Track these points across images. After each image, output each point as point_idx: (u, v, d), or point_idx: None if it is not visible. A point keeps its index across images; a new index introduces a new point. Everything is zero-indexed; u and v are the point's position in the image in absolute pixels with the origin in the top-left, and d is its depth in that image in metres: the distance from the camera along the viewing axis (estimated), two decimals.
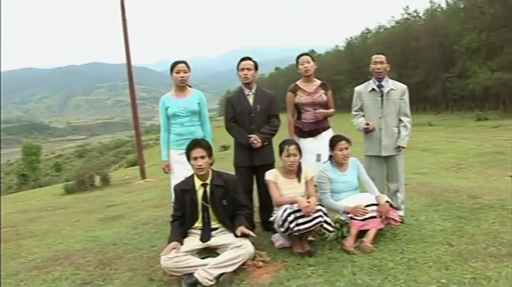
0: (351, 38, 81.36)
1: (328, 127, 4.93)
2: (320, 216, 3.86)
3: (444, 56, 53.16)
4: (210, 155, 3.86)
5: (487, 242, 3.96)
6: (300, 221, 3.84)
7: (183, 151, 4.46)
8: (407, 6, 64.85)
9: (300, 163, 4.24)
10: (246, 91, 4.73)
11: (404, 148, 4.78)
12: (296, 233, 3.85)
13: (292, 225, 3.83)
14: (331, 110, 4.93)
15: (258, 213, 4.96)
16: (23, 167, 63.77)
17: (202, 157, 3.77)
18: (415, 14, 63.88)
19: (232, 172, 4.55)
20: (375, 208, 4.15)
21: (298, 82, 4.96)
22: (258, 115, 4.65)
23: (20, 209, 10.82)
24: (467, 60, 48.13)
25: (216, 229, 3.88)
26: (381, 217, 4.14)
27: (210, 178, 3.88)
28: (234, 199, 3.90)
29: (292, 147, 4.13)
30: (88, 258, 4.72)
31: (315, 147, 4.76)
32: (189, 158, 3.82)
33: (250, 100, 4.69)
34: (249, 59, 4.72)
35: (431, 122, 39.70)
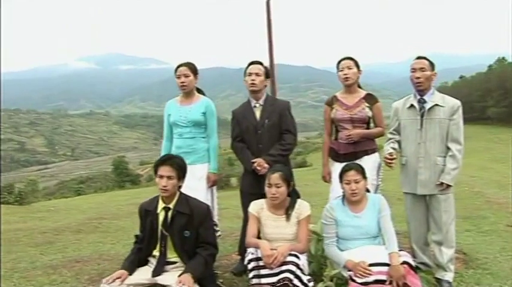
0: None
1: (374, 151, 3.85)
2: (288, 271, 2.91)
3: None
4: (180, 177, 3.22)
5: None
6: (262, 272, 2.97)
7: None
8: None
9: (294, 196, 3.36)
10: (253, 102, 3.94)
11: (450, 186, 3.50)
12: None
13: (251, 275, 3.02)
14: (376, 130, 3.86)
15: None
16: None
17: (169, 177, 3.16)
18: None
19: None
20: (385, 269, 3.02)
21: (337, 93, 3.99)
22: (266, 132, 3.84)
23: (135, 202, 11.42)
24: None
25: (173, 263, 3.22)
26: (391, 283, 2.99)
27: (174, 202, 3.24)
28: (198, 232, 3.21)
29: (275, 175, 3.24)
30: (100, 266, 4.60)
31: None
32: (155, 174, 3.25)
33: (257, 113, 3.90)
34: (259, 63, 3.94)
35: None
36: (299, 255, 3.07)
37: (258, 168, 3.74)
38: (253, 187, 3.81)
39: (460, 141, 3.52)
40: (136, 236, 3.42)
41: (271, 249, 3.04)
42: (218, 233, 4.15)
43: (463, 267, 4.00)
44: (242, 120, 3.94)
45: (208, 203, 3.94)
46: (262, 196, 3.68)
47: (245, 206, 3.90)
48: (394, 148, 3.64)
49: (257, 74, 3.86)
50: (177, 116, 4.01)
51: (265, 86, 3.95)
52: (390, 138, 3.76)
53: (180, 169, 3.22)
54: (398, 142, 3.72)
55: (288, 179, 3.29)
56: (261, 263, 3.01)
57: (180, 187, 3.27)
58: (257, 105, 3.92)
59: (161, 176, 3.17)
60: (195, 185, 3.91)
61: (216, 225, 4.07)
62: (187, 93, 4.04)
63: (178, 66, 4.02)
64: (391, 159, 3.52)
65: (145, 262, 3.30)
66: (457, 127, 3.52)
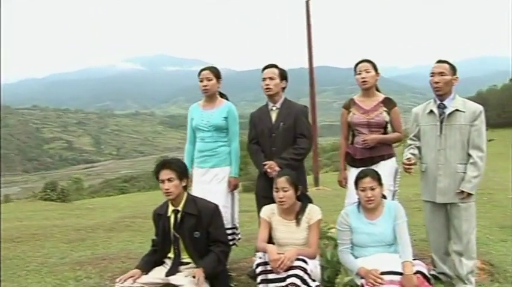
0: None
1: (391, 155, 3.79)
2: (295, 275, 2.89)
3: None
4: (181, 177, 3.26)
5: None
6: (270, 276, 2.97)
7: (203, 169, 4.05)
8: None
9: (305, 201, 3.35)
10: (270, 105, 3.96)
11: (471, 194, 3.38)
12: None
13: (258, 280, 3.02)
14: (394, 135, 3.81)
15: None
16: None
17: (169, 180, 3.21)
18: None
19: None
20: (397, 278, 2.95)
21: (355, 96, 3.95)
22: (280, 135, 3.83)
23: None
24: None
25: (187, 263, 3.28)
26: None
27: (182, 204, 3.30)
28: (208, 231, 3.25)
29: (282, 179, 3.22)
30: (125, 264, 4.71)
31: None
32: (158, 180, 3.32)
33: (273, 116, 3.90)
34: (273, 66, 3.94)
35: None
36: (307, 260, 3.04)
37: (269, 170, 3.74)
38: (265, 190, 3.80)
39: (482, 148, 3.41)
40: (152, 240, 3.51)
41: (279, 253, 3.03)
42: (238, 237, 4.17)
43: (488, 279, 3.84)
44: (258, 122, 3.97)
45: (229, 206, 3.99)
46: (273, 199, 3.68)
47: (259, 209, 3.93)
48: (413, 154, 3.56)
49: (271, 78, 3.88)
50: (199, 120, 4.05)
51: (283, 88, 3.96)
52: (410, 145, 3.68)
53: (179, 169, 3.26)
54: (419, 148, 3.63)
55: (296, 183, 3.26)
56: (268, 267, 3.01)
57: (185, 187, 3.31)
58: (274, 108, 3.93)
59: (162, 181, 3.23)
60: (215, 188, 3.97)
61: (236, 228, 4.09)
62: (210, 97, 4.08)
63: (202, 70, 4.07)
64: (409, 164, 3.45)
65: (161, 263, 3.38)
66: (479, 133, 3.41)
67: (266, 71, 3.92)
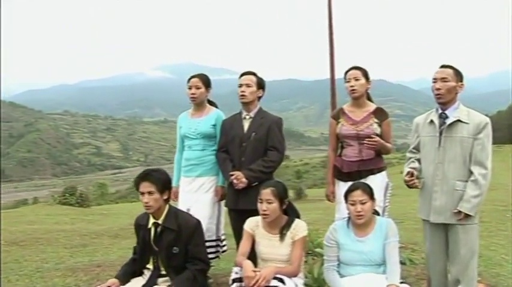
0: None
1: (381, 169, 3.57)
2: None
3: None
4: (162, 190, 3.09)
5: None
6: None
7: (190, 178, 3.94)
8: None
9: (292, 215, 3.14)
10: (244, 114, 3.77)
11: (470, 216, 3.03)
12: None
13: None
14: (389, 144, 3.58)
15: None
16: None
17: (150, 193, 3.04)
18: None
19: None
20: None
21: (344, 106, 3.73)
22: (251, 145, 3.64)
23: None
24: None
25: (166, 275, 3.15)
26: None
27: (163, 217, 3.15)
28: (188, 248, 3.10)
29: (267, 191, 3.01)
30: None
31: None
32: (138, 191, 3.16)
33: (246, 125, 3.71)
34: (251, 73, 3.77)
35: None
36: (285, 279, 2.84)
37: (235, 181, 3.56)
38: (231, 202, 3.70)
39: (486, 165, 3.05)
40: (134, 247, 3.39)
41: (255, 271, 2.83)
42: (223, 249, 4.02)
43: None
44: (229, 130, 3.77)
45: (214, 217, 3.87)
46: (240, 211, 3.57)
47: (230, 222, 3.81)
48: (413, 168, 3.25)
49: (247, 85, 3.71)
50: (187, 129, 3.95)
51: (259, 97, 3.78)
52: (409, 158, 3.39)
53: (160, 182, 3.08)
54: (419, 161, 3.32)
55: (281, 196, 3.05)
56: (243, 283, 2.83)
57: (166, 200, 3.16)
58: (247, 117, 3.75)
59: (142, 193, 3.07)
60: (202, 197, 3.85)
61: (220, 240, 3.95)
62: (198, 105, 3.98)
63: (191, 78, 3.97)
64: (411, 179, 3.17)
65: (140, 274, 3.26)
66: (482, 148, 3.05)
67: (243, 77, 3.75)
